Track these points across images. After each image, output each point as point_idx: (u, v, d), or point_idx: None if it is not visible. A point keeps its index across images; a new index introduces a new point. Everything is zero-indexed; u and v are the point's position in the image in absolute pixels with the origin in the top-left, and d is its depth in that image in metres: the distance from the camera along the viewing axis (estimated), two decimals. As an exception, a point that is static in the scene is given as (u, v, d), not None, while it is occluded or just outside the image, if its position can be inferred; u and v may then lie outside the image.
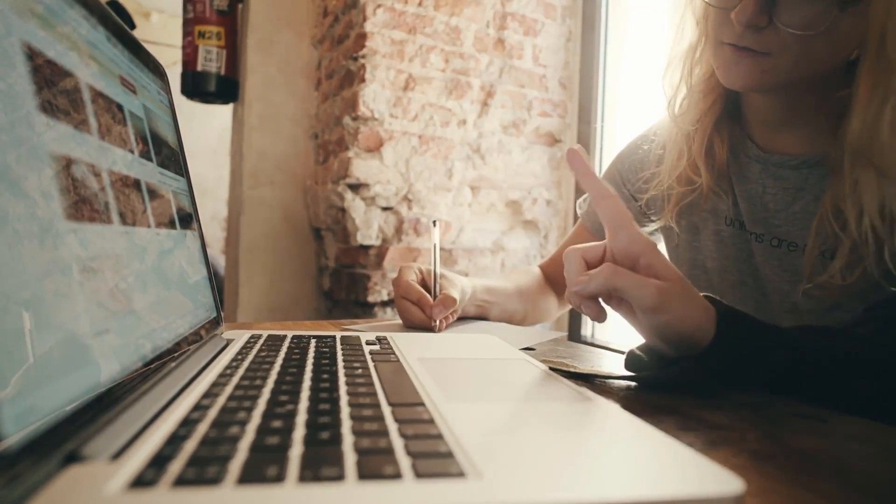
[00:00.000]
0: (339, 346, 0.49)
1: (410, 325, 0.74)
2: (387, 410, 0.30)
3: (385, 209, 1.45)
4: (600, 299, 0.44)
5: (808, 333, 0.50)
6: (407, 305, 0.72)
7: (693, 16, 0.63)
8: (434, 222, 0.77)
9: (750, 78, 0.55)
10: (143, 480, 0.21)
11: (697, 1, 0.61)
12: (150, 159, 0.43)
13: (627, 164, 0.78)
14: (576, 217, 1.63)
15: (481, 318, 0.81)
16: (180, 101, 0.93)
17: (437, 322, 0.71)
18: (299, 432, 0.26)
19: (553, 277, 0.92)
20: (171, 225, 0.45)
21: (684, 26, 0.64)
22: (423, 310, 0.71)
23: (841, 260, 0.53)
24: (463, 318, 0.80)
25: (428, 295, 0.72)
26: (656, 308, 0.40)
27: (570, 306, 0.97)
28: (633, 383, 0.47)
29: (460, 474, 0.22)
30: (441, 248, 1.50)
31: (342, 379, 0.37)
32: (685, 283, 0.42)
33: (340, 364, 0.42)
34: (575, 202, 1.63)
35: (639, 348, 0.47)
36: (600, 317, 0.44)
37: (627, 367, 0.47)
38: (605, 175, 0.83)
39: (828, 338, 0.50)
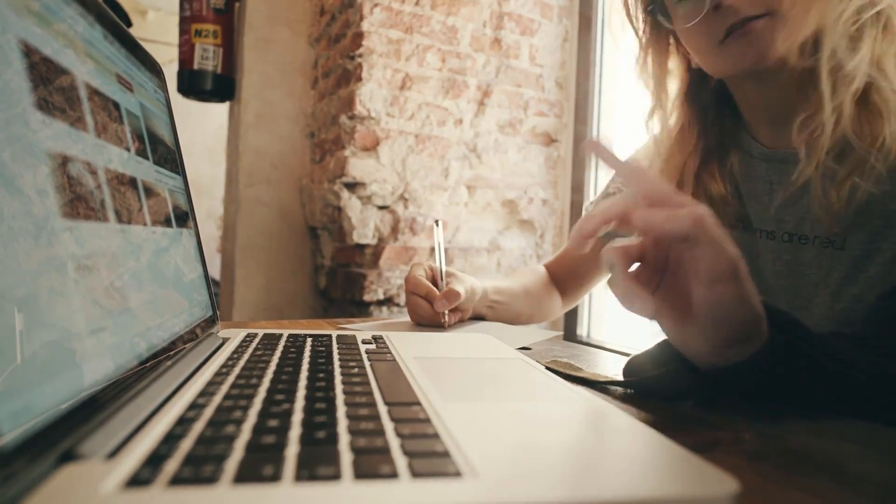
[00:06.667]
0: (335, 345, 0.49)
1: (419, 321, 0.74)
2: (383, 410, 0.30)
3: (381, 208, 1.45)
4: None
5: (845, 342, 0.47)
6: (416, 300, 0.73)
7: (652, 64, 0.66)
8: (437, 222, 0.78)
9: (764, 44, 0.53)
10: (138, 479, 0.21)
11: (649, 65, 0.65)
12: (146, 157, 0.43)
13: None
14: (572, 216, 1.64)
15: (492, 318, 0.82)
16: (176, 99, 0.93)
17: (445, 316, 0.71)
18: (295, 431, 0.26)
19: (557, 277, 0.93)
20: (167, 223, 0.45)
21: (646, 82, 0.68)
22: (432, 304, 0.72)
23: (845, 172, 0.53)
24: (473, 319, 0.81)
25: (436, 290, 0.73)
26: (731, 275, 0.35)
27: (573, 306, 0.97)
28: (630, 390, 0.45)
29: (457, 474, 0.22)
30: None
31: (338, 378, 0.37)
32: None
33: (337, 363, 0.42)
34: (571, 202, 1.64)
35: (645, 354, 0.44)
36: (650, 306, 0.35)
37: (626, 373, 0.45)
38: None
39: (863, 350, 0.47)
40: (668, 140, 0.67)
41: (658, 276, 0.39)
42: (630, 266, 0.37)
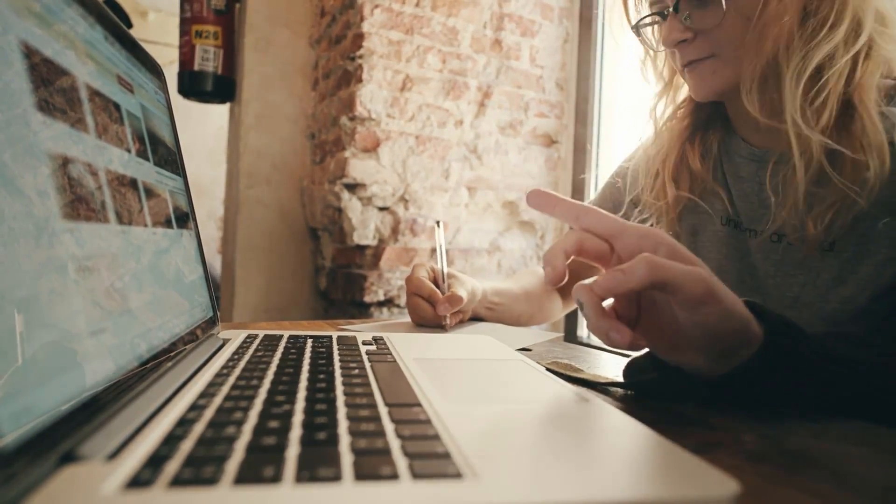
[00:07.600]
0: (335, 347, 0.49)
1: (420, 322, 0.75)
2: (383, 411, 0.30)
3: (382, 209, 1.45)
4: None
5: (844, 343, 0.48)
6: (418, 301, 0.74)
7: (654, 68, 0.70)
8: (438, 223, 0.78)
9: (710, 83, 0.60)
10: (139, 480, 0.21)
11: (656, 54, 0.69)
12: (146, 158, 0.43)
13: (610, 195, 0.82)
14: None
15: (491, 320, 0.82)
16: (177, 101, 0.93)
17: (447, 319, 0.72)
18: (296, 432, 0.26)
19: None
20: (168, 224, 0.45)
21: (648, 76, 0.71)
22: (434, 307, 0.72)
23: (818, 209, 0.54)
24: (473, 320, 0.81)
25: (439, 292, 0.73)
26: (710, 296, 0.34)
27: (574, 306, 0.97)
28: (630, 391, 0.45)
29: (457, 475, 0.22)
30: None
31: (339, 379, 0.37)
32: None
33: (337, 364, 0.42)
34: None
35: (643, 357, 0.44)
36: (626, 336, 0.34)
37: (626, 374, 0.45)
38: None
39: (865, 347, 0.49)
40: (669, 121, 0.70)
41: (634, 306, 0.40)
42: (601, 302, 0.36)
